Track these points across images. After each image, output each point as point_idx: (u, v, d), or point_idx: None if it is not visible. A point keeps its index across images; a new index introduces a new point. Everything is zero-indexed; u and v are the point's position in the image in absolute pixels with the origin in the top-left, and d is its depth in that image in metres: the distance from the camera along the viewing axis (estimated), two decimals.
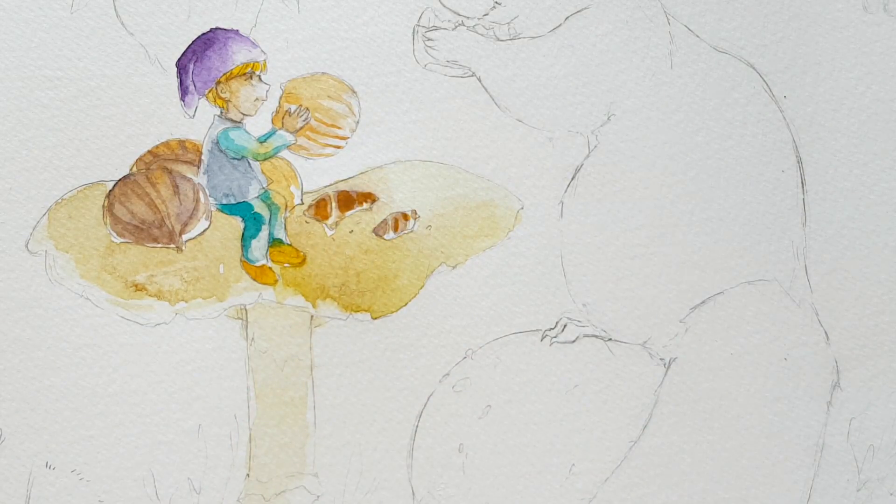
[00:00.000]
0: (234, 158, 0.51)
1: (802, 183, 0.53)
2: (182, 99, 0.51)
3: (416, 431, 0.51)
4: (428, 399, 0.51)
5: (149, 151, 0.51)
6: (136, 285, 0.50)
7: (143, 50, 0.51)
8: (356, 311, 0.51)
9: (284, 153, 0.51)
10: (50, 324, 0.50)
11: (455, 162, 0.52)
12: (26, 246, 0.50)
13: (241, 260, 0.51)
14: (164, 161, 0.51)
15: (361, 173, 0.51)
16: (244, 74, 0.51)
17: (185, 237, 0.51)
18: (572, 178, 0.52)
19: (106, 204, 0.50)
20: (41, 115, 0.50)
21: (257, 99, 0.51)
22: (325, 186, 0.51)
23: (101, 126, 0.50)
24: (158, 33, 0.51)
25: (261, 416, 0.51)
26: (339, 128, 0.51)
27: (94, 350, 0.50)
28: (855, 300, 0.53)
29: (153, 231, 0.51)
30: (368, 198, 0.51)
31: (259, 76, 0.51)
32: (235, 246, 0.51)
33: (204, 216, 0.51)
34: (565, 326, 0.52)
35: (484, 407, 0.51)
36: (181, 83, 0.51)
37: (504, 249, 0.52)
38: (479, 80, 0.52)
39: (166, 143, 0.51)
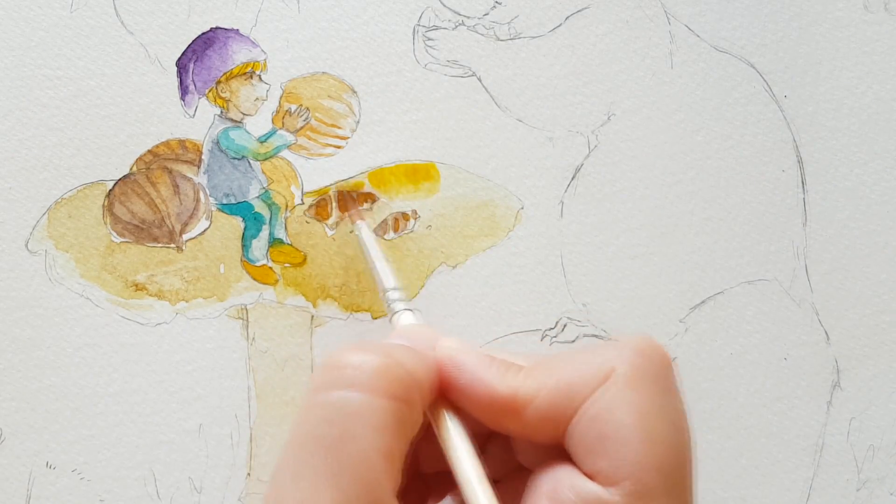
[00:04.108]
0: (234, 158, 0.51)
1: (802, 183, 0.53)
2: (182, 98, 0.51)
3: None
4: None
5: (149, 151, 0.51)
6: (136, 285, 0.50)
7: (143, 49, 0.51)
8: (356, 311, 0.51)
9: (284, 153, 0.51)
10: (50, 324, 0.50)
11: (455, 162, 0.52)
12: (26, 246, 0.50)
13: (241, 260, 0.51)
14: (164, 161, 0.51)
15: (361, 173, 0.51)
16: (244, 74, 0.51)
17: (185, 237, 0.51)
18: (572, 178, 0.52)
19: (106, 203, 0.50)
20: (41, 115, 0.50)
21: (257, 98, 0.51)
22: (326, 186, 0.51)
23: (101, 126, 0.50)
24: (158, 33, 0.51)
25: (261, 415, 0.51)
26: (340, 127, 0.51)
27: (94, 350, 0.50)
28: (855, 300, 0.53)
29: (153, 231, 0.51)
30: (369, 198, 0.51)
31: (259, 76, 0.51)
32: (236, 246, 0.51)
33: (204, 216, 0.51)
34: (565, 326, 0.52)
35: None
36: (181, 83, 0.51)
37: (504, 249, 0.52)
38: (479, 79, 0.52)
39: (166, 143, 0.51)
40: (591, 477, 0.32)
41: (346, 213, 0.50)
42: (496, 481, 0.35)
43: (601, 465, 0.32)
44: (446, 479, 0.35)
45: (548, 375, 0.33)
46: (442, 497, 0.36)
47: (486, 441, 0.36)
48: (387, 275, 0.44)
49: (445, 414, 0.34)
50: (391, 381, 0.32)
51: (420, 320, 0.41)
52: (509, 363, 0.34)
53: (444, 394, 0.35)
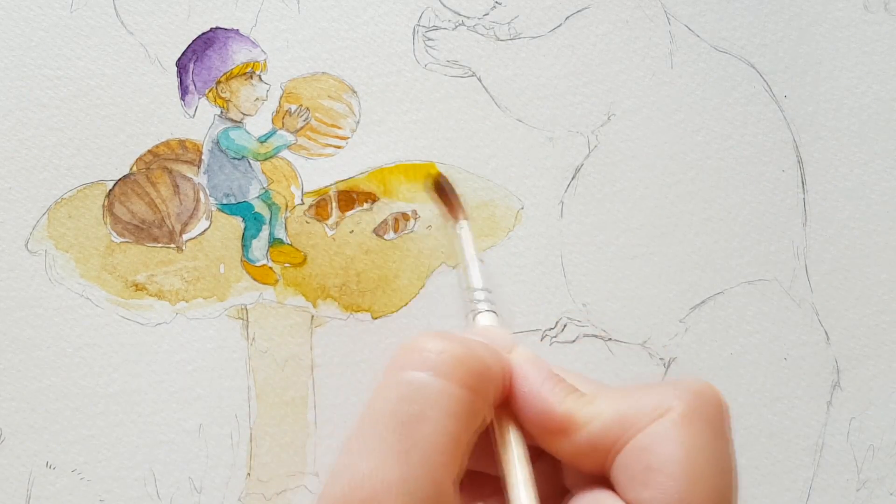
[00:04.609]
0: (234, 158, 0.51)
1: (802, 183, 0.53)
2: (182, 98, 0.51)
3: None
4: None
5: (149, 151, 0.51)
6: (136, 285, 0.50)
7: (143, 49, 0.51)
8: (356, 311, 0.51)
9: (284, 153, 0.51)
10: (50, 324, 0.50)
11: (455, 162, 0.52)
12: (26, 246, 0.50)
13: (241, 260, 0.51)
14: (164, 161, 0.51)
15: (361, 173, 0.51)
16: (244, 74, 0.51)
17: (185, 237, 0.51)
18: (572, 178, 0.52)
19: (106, 203, 0.50)
20: (41, 115, 0.50)
21: (257, 99, 0.51)
22: (326, 186, 0.51)
23: (101, 126, 0.50)
24: (158, 33, 0.51)
25: (261, 415, 0.51)
26: (340, 128, 0.51)
27: (94, 350, 0.50)
28: (855, 300, 0.53)
29: (153, 231, 0.51)
30: (369, 197, 0.51)
31: (259, 76, 0.51)
32: (236, 246, 0.51)
33: (204, 216, 0.51)
34: (565, 326, 0.52)
35: None
36: (181, 83, 0.51)
37: (504, 249, 0.52)
38: (479, 80, 0.52)
39: (166, 143, 0.51)
40: None
41: (451, 211, 0.50)
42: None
43: (644, 496, 0.32)
44: (487, 481, 0.35)
45: (606, 405, 0.34)
46: (479, 497, 0.37)
47: (536, 460, 0.37)
48: (478, 275, 0.45)
49: (507, 418, 0.35)
50: (469, 371, 0.33)
51: (501, 324, 0.42)
52: (573, 388, 0.35)
53: (506, 401, 0.35)
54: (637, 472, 0.32)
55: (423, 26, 0.52)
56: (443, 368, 0.32)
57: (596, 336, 0.52)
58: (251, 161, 0.51)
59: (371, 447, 0.32)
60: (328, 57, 0.51)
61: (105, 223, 0.50)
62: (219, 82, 0.51)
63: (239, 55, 0.51)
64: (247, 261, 0.51)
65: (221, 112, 0.51)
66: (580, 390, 0.35)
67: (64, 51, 0.50)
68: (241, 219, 0.51)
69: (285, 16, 0.51)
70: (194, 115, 0.51)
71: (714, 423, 0.34)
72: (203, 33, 0.51)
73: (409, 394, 0.32)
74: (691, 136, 0.53)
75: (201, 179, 0.51)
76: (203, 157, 0.51)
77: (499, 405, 0.35)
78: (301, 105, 0.51)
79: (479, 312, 0.42)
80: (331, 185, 0.51)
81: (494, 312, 0.42)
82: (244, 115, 0.51)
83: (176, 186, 0.51)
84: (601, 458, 0.34)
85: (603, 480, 0.34)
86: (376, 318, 0.51)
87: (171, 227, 0.51)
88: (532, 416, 0.35)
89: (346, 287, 0.51)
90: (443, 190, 0.50)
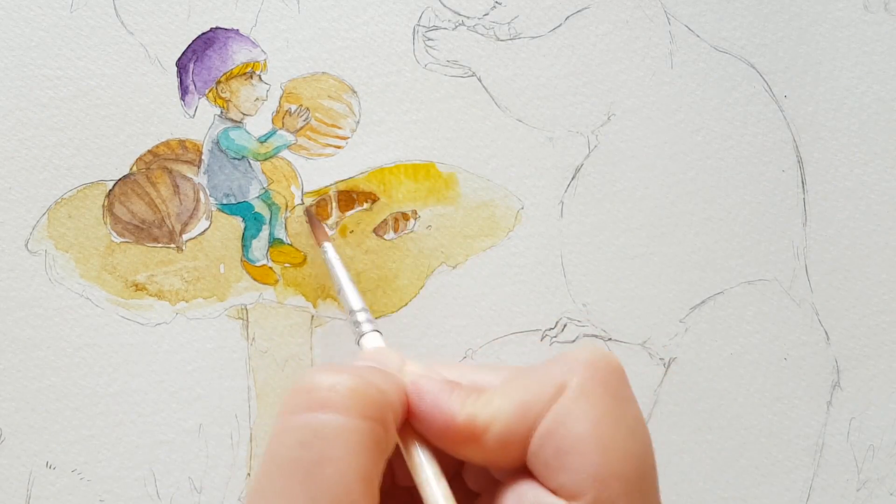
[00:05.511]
0: (234, 158, 0.51)
1: (802, 183, 0.53)
2: (182, 98, 0.51)
3: None
4: None
5: (149, 151, 0.51)
6: (136, 285, 0.50)
7: (143, 49, 0.51)
8: None
9: (284, 153, 0.51)
10: (50, 324, 0.50)
11: (455, 162, 0.52)
12: (26, 246, 0.50)
13: (241, 260, 0.51)
14: (164, 161, 0.51)
15: (361, 173, 0.51)
16: (244, 74, 0.51)
17: (185, 237, 0.51)
18: (572, 178, 0.52)
19: (106, 203, 0.50)
20: (41, 115, 0.50)
21: (257, 99, 0.51)
22: (326, 186, 0.51)
23: (101, 126, 0.50)
24: (158, 33, 0.51)
25: (262, 415, 0.51)
26: (340, 128, 0.51)
27: (94, 350, 0.50)
28: (855, 300, 0.53)
29: (153, 231, 0.51)
30: (369, 197, 0.51)
31: (259, 76, 0.51)
32: (236, 246, 0.51)
33: (204, 216, 0.51)
34: (565, 326, 0.52)
35: None
36: (181, 83, 0.51)
37: (504, 249, 0.52)
38: (479, 80, 0.52)
39: (166, 143, 0.51)
40: (554, 492, 0.32)
41: (315, 236, 0.50)
42: (477, 495, 0.35)
43: (562, 480, 0.31)
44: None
45: (504, 399, 0.33)
46: None
47: (455, 464, 0.36)
48: (353, 296, 0.44)
49: (412, 439, 0.34)
50: (366, 401, 0.32)
51: (385, 342, 0.41)
52: (470, 391, 0.34)
53: (409, 420, 0.34)
54: (550, 458, 0.32)
55: (423, 26, 0.52)
56: (339, 403, 0.31)
57: (596, 336, 0.52)
58: (251, 161, 0.51)
59: (277, 501, 0.30)
60: (328, 57, 0.51)
61: (105, 223, 0.50)
62: (219, 82, 0.51)
63: (239, 55, 0.51)
64: (247, 261, 0.51)
65: (221, 112, 0.51)
66: (477, 391, 0.34)
67: (64, 51, 0.50)
68: (241, 219, 0.51)
69: (285, 16, 0.51)
70: (194, 115, 0.51)
71: (613, 388, 0.33)
72: (203, 33, 0.51)
73: (307, 437, 0.31)
74: (691, 136, 0.53)
75: (201, 179, 0.51)
76: (203, 157, 0.51)
77: (401, 427, 0.34)
78: (301, 105, 0.51)
79: (364, 334, 0.42)
80: (331, 185, 0.51)
81: (379, 332, 0.41)
82: (244, 115, 0.51)
83: (176, 186, 0.51)
84: (515, 453, 0.33)
85: (525, 470, 0.33)
86: (376, 319, 0.51)
87: (171, 227, 0.51)
88: (436, 431, 0.34)
89: None
90: (309, 218, 0.50)
